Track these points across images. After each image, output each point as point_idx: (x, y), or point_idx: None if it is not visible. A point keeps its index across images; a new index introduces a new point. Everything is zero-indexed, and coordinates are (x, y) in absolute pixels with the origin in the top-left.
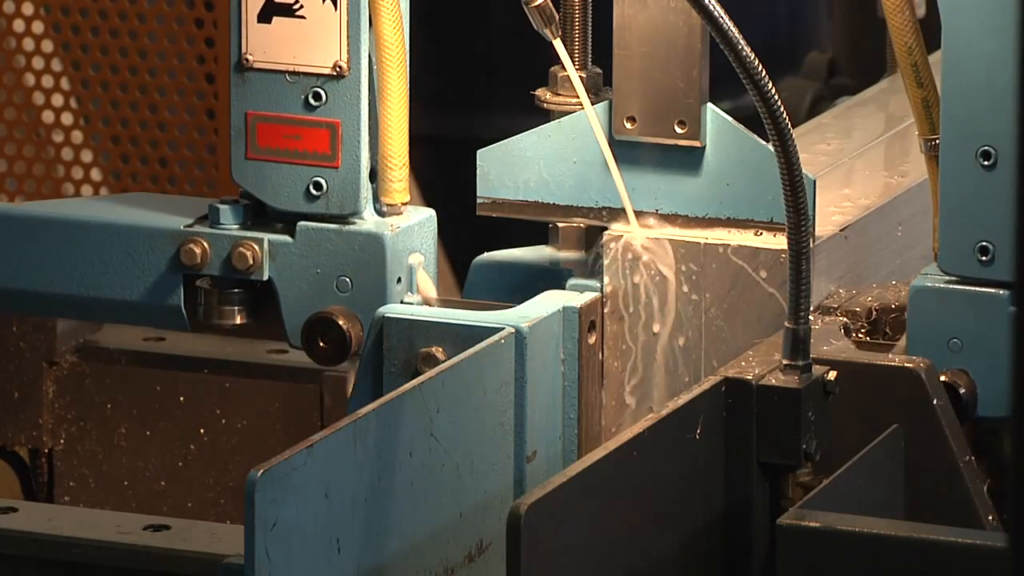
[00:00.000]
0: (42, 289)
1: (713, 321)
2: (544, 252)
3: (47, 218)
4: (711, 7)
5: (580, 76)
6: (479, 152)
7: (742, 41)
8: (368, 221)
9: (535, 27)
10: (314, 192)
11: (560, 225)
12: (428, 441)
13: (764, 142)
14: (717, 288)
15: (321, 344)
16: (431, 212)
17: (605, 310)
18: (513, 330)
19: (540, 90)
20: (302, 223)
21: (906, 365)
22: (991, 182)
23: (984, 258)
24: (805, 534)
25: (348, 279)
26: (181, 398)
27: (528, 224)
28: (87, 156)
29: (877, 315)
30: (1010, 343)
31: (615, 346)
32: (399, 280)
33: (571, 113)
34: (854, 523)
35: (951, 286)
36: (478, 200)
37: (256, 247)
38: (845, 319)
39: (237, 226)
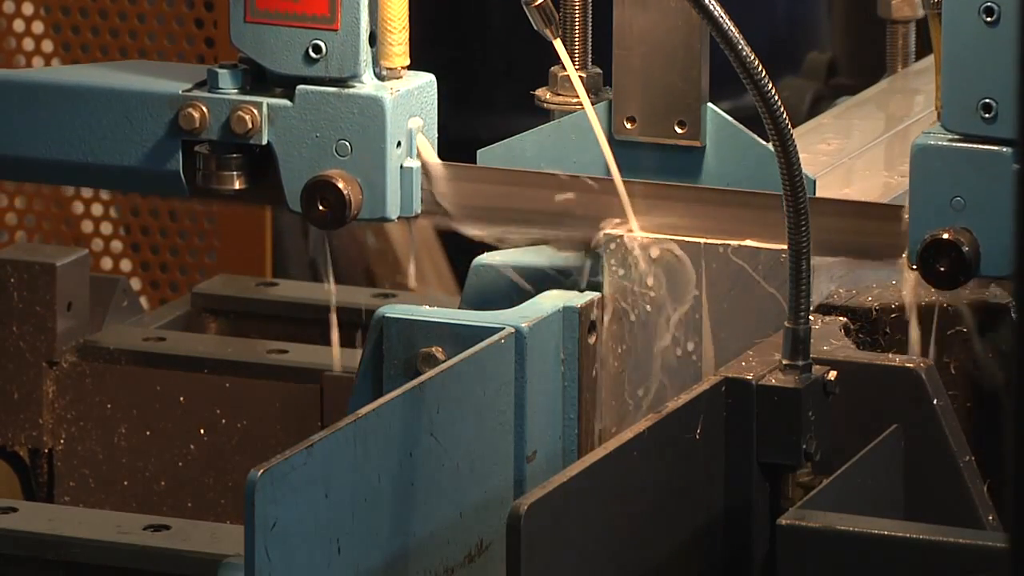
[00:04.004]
0: (39, 156)
1: (713, 321)
2: (544, 252)
3: (43, 84)
4: (711, 7)
5: (580, 76)
6: (479, 152)
7: (742, 41)
8: (368, 84)
9: (535, 27)
10: (313, 55)
11: None
12: (428, 441)
13: (764, 142)
14: (717, 288)
15: (320, 208)
16: (431, 77)
17: (605, 310)
18: (513, 330)
19: (540, 90)
20: (301, 87)
21: (906, 365)
22: (994, 38)
23: (987, 115)
24: (805, 534)
25: (347, 143)
26: (181, 398)
27: None
28: None
29: (877, 315)
30: (1013, 201)
31: (615, 346)
32: (399, 144)
33: (571, 113)
34: (854, 523)
35: (954, 144)
36: None
37: (255, 111)
38: (845, 319)
39: (236, 90)
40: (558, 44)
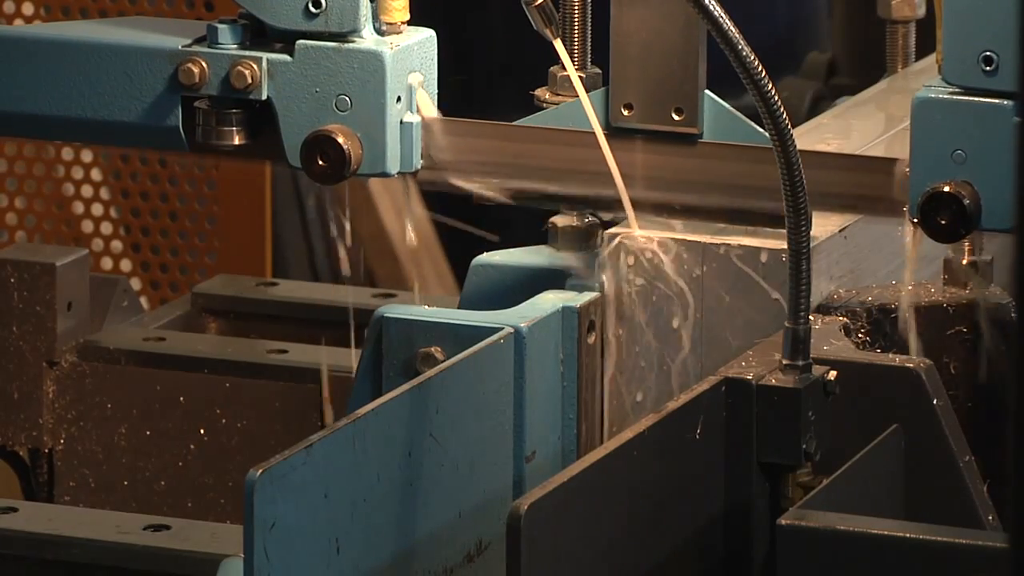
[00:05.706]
0: (39, 112)
1: (713, 321)
2: (544, 252)
3: (42, 39)
4: (711, 7)
5: (580, 76)
6: None
7: (742, 41)
8: (367, 39)
9: (535, 27)
10: (313, 10)
11: (559, 224)
12: (428, 441)
13: (761, 129)
14: (717, 288)
15: (320, 163)
16: (431, 32)
17: (605, 310)
18: (512, 330)
19: (540, 90)
20: (301, 41)
21: (906, 365)
22: None
23: (988, 68)
24: (805, 534)
25: (347, 98)
26: (181, 398)
27: (528, 224)
28: (87, 156)
29: (877, 315)
30: (1014, 154)
31: (615, 346)
32: (399, 99)
33: None
34: (854, 523)
35: (955, 97)
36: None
37: (255, 66)
38: (845, 319)
39: (236, 45)
40: (558, 44)
